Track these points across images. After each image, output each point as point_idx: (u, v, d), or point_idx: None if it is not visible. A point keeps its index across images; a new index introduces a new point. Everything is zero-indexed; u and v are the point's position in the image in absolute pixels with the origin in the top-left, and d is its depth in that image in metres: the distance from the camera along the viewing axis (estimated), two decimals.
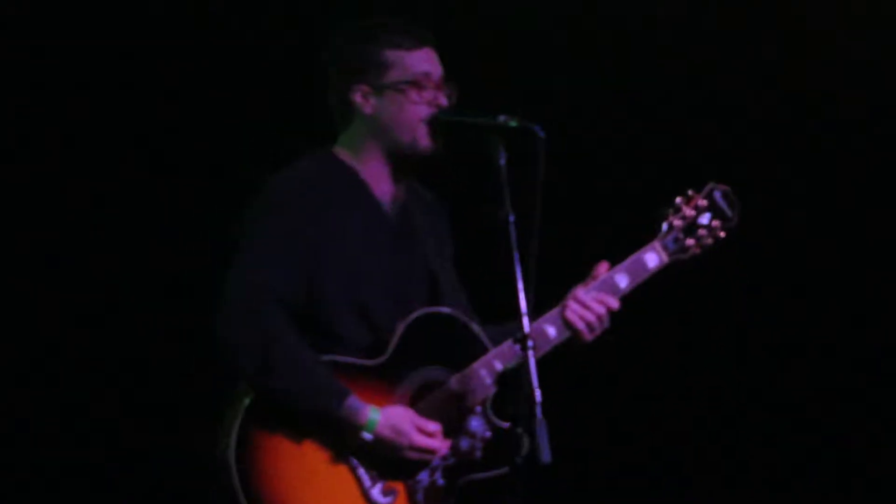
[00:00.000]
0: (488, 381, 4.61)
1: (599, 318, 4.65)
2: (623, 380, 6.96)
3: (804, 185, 6.88)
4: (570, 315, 4.64)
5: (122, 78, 6.26)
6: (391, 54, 4.64)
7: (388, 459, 4.50)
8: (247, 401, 4.45)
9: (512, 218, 4.32)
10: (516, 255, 4.30)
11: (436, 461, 4.55)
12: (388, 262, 4.66)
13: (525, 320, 4.26)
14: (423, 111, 4.62)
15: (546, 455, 4.16)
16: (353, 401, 4.45)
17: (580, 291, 4.66)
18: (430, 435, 4.51)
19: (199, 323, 4.59)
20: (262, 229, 4.55)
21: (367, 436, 4.46)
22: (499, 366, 4.61)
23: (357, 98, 4.67)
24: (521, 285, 4.28)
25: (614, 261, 4.73)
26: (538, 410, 4.18)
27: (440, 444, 4.53)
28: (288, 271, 4.50)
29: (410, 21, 4.70)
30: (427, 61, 4.66)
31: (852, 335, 6.97)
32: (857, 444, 6.98)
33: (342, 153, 4.71)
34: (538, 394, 4.20)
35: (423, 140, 4.62)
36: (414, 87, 4.62)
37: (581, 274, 4.75)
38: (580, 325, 4.64)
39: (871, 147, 6.86)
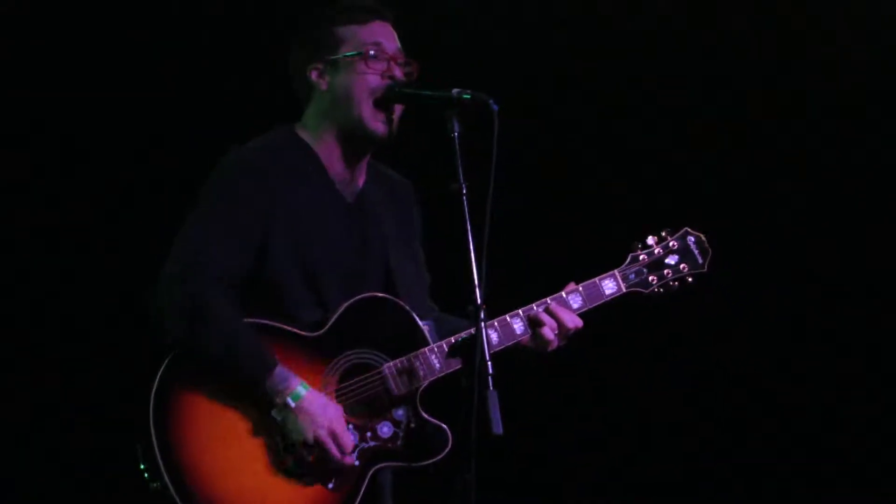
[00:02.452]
0: (421, 374, 4.58)
1: (565, 330, 4.68)
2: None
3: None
4: (544, 330, 4.65)
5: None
6: (343, 30, 4.65)
7: (297, 441, 4.43)
8: (168, 359, 4.42)
9: (465, 190, 4.31)
10: (469, 227, 4.29)
11: (353, 439, 4.49)
12: (341, 243, 4.63)
13: (478, 291, 4.24)
14: (375, 82, 4.60)
15: (498, 427, 4.12)
16: (281, 370, 4.42)
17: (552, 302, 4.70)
18: (341, 446, 4.45)
19: None
20: (211, 201, 4.53)
21: (290, 402, 4.40)
22: (436, 363, 4.58)
23: (313, 76, 4.68)
24: (473, 256, 4.27)
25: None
26: (490, 382, 4.15)
27: (350, 451, 4.47)
28: (231, 246, 4.47)
29: None
30: (379, 34, 4.65)
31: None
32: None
33: (303, 132, 4.70)
34: (489, 366, 4.18)
35: (372, 121, 4.59)
36: (364, 58, 4.61)
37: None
38: (549, 335, 4.66)
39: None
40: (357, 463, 4.51)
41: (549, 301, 4.71)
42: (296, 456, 4.44)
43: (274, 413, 4.42)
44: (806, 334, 6.98)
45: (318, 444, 4.43)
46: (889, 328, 6.96)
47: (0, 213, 6.15)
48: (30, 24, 6.14)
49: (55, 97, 6.14)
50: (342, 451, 4.45)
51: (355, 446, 4.51)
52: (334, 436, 4.43)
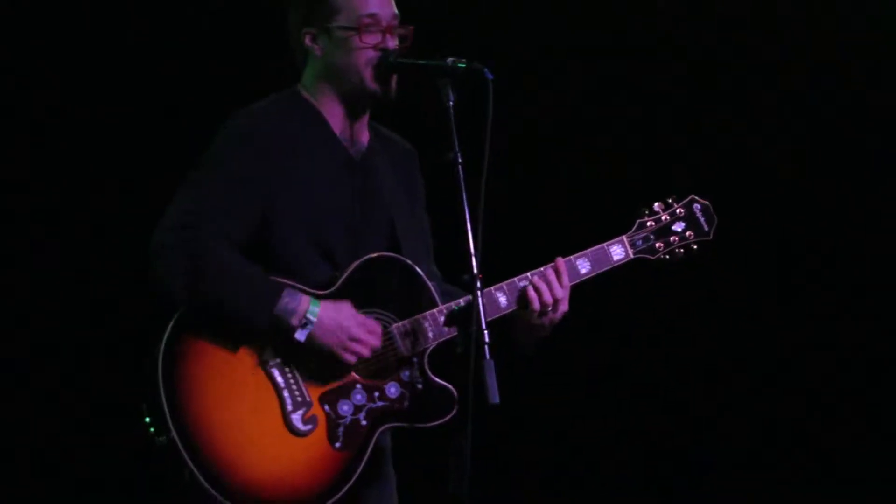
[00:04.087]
0: (430, 335, 4.62)
1: (555, 300, 4.66)
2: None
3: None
4: (528, 291, 4.65)
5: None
6: None
7: (321, 359, 4.48)
8: (178, 315, 4.44)
9: (460, 159, 4.33)
10: (464, 196, 4.32)
11: (361, 399, 4.54)
12: (347, 199, 4.65)
13: (473, 260, 4.28)
14: (370, 54, 4.60)
15: (494, 396, 4.16)
16: (290, 292, 4.45)
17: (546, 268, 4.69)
18: (368, 330, 4.50)
19: None
20: (211, 163, 4.54)
21: (310, 318, 4.44)
22: (445, 325, 4.61)
23: (307, 41, 4.67)
24: (469, 226, 4.30)
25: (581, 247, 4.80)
26: (486, 351, 4.20)
27: (376, 340, 4.52)
28: (232, 206, 4.49)
29: None
30: (375, 3, 4.63)
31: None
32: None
33: (304, 91, 4.71)
34: (486, 334, 4.22)
35: (371, 83, 4.61)
36: (360, 30, 4.60)
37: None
38: (535, 303, 4.65)
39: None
40: (365, 423, 4.57)
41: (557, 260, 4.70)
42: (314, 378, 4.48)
43: (297, 336, 4.44)
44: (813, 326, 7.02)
45: (353, 340, 4.47)
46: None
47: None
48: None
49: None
50: (375, 336, 4.50)
51: (363, 406, 4.56)
52: (359, 338, 4.47)
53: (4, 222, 6.25)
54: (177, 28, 6.32)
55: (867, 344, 6.99)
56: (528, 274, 4.70)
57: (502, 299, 4.66)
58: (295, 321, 4.43)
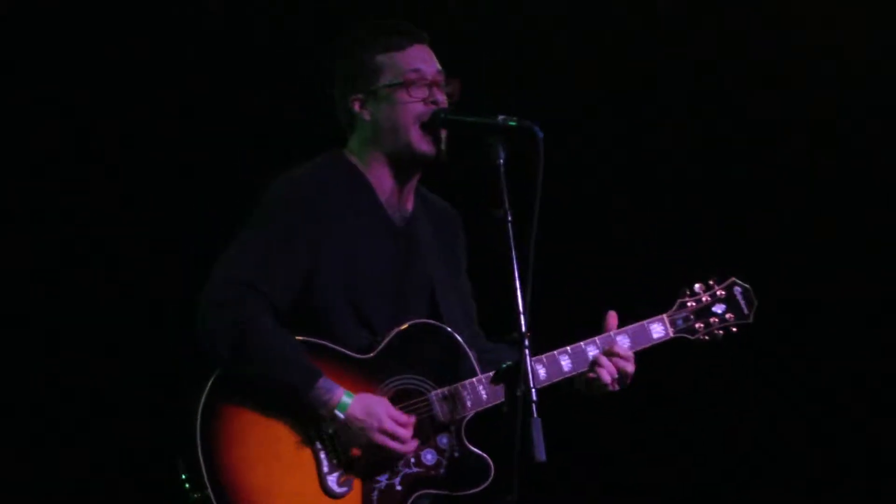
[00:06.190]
0: (468, 403, 4.60)
1: (623, 375, 4.72)
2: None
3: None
4: (601, 371, 4.67)
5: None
6: (381, 58, 4.66)
7: (353, 449, 4.46)
8: (217, 372, 4.45)
9: (510, 217, 4.32)
10: (514, 254, 4.31)
11: (399, 465, 4.51)
12: (388, 267, 4.66)
13: (521, 319, 4.26)
14: (419, 109, 4.62)
15: (541, 454, 4.14)
16: (326, 381, 4.44)
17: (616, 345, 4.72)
18: (401, 425, 4.48)
19: None
20: (259, 225, 4.56)
21: (338, 415, 4.43)
22: (483, 394, 4.59)
23: (355, 107, 4.69)
24: (518, 284, 4.28)
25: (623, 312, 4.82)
26: (533, 409, 4.18)
27: (409, 438, 4.49)
28: (280, 272, 4.50)
29: (402, 20, 4.72)
30: (419, 59, 4.66)
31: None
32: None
33: (351, 157, 4.72)
34: (533, 393, 4.20)
35: (422, 144, 4.62)
36: (405, 86, 4.62)
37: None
38: (607, 378, 4.68)
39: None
40: (400, 488, 4.53)
41: (597, 340, 4.73)
42: (353, 467, 4.46)
43: (324, 427, 4.44)
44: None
45: (376, 447, 4.45)
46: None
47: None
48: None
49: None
50: (402, 443, 4.47)
51: (399, 471, 4.52)
52: (389, 434, 4.45)
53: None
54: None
55: None
56: (568, 348, 4.70)
57: (541, 371, 4.65)
58: (324, 412, 4.44)
